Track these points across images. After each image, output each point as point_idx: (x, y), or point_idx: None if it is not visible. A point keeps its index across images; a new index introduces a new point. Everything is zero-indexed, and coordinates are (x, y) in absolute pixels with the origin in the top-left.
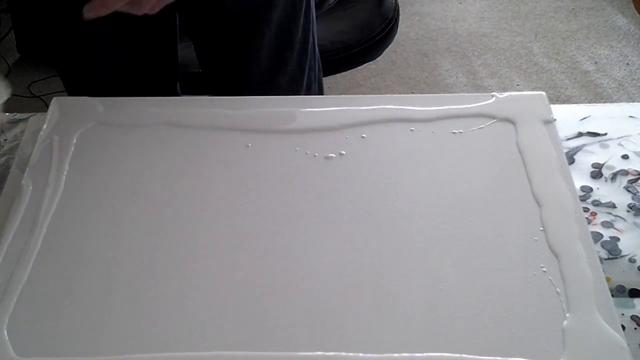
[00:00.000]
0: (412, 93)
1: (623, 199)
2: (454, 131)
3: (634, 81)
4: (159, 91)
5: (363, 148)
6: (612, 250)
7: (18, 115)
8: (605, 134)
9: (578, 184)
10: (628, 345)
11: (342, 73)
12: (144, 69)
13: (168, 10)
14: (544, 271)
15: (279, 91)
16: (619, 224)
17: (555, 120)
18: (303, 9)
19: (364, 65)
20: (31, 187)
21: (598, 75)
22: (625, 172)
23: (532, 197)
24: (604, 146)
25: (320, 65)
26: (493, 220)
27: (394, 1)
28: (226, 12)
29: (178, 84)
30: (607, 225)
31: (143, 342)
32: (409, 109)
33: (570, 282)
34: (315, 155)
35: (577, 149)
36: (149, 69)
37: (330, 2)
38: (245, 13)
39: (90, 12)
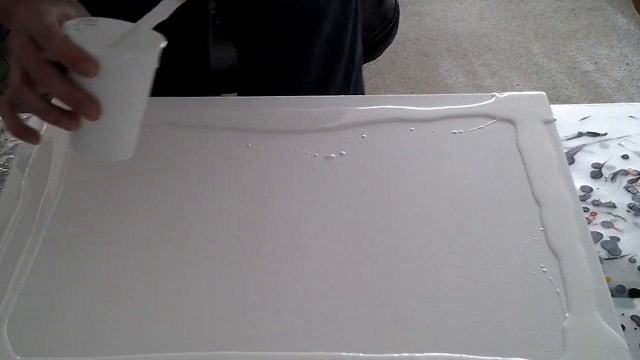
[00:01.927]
0: (412, 93)
1: (623, 199)
2: (454, 131)
3: (634, 81)
4: (188, 91)
5: (363, 148)
6: (612, 250)
7: None
8: (605, 134)
9: (578, 184)
10: (628, 345)
11: None
12: (175, 68)
13: (202, 12)
14: (544, 271)
15: None
16: (619, 224)
17: (555, 120)
18: (352, 19)
19: (364, 65)
20: (31, 187)
21: (598, 75)
22: (625, 172)
23: (532, 197)
24: (604, 146)
25: (362, 77)
26: (493, 220)
27: (394, 1)
28: (277, 21)
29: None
30: (607, 225)
31: (143, 342)
32: (409, 109)
33: (570, 282)
34: (315, 155)
35: (577, 149)
36: (180, 69)
37: None
38: (297, 22)
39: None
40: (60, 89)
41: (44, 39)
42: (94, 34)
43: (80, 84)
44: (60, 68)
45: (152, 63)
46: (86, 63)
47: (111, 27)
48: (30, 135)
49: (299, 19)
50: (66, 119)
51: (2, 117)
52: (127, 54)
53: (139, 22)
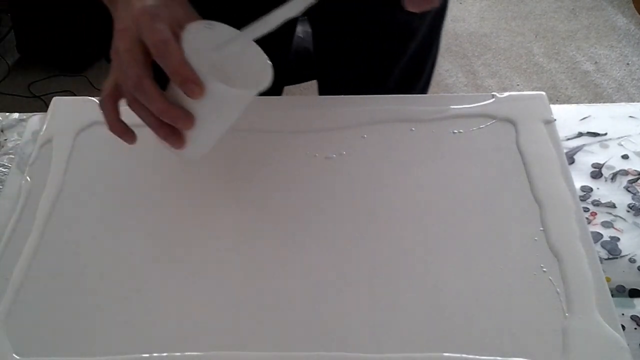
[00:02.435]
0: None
1: (623, 199)
2: (454, 131)
3: (634, 81)
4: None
5: (363, 148)
6: (612, 250)
7: (18, 115)
8: (605, 134)
9: (578, 184)
10: (628, 345)
11: None
12: None
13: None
14: (544, 271)
15: None
16: (619, 224)
17: (555, 120)
18: (437, 38)
19: None
20: (31, 187)
21: (598, 75)
22: (625, 172)
23: (532, 197)
24: (604, 146)
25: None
26: (493, 220)
27: None
28: (367, 41)
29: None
30: (607, 225)
31: (143, 342)
32: (409, 109)
33: (570, 282)
34: (315, 156)
35: (577, 149)
36: None
37: None
38: (386, 41)
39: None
40: (158, 106)
41: (161, 53)
42: (211, 41)
43: (175, 93)
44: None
45: (252, 98)
46: (195, 87)
47: (229, 34)
48: (129, 136)
49: (390, 38)
50: (174, 137)
51: (103, 111)
52: (234, 92)
53: (266, 17)
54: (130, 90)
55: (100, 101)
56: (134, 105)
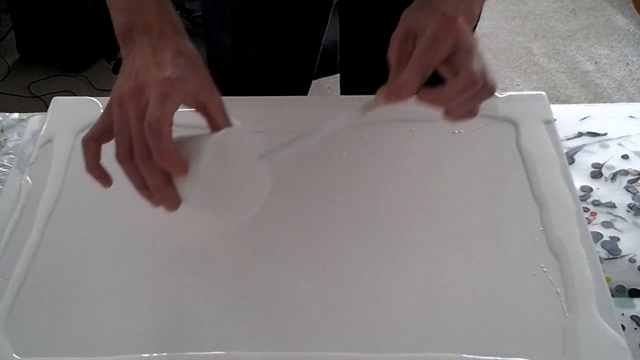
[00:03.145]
0: None
1: (623, 199)
2: (454, 131)
3: (634, 81)
4: (291, 87)
5: (363, 148)
6: (612, 250)
7: (18, 115)
8: (605, 134)
9: (578, 184)
10: (628, 345)
11: None
12: (284, 64)
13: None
14: (544, 271)
15: None
16: (619, 224)
17: (555, 120)
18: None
19: None
20: (31, 187)
21: (598, 75)
22: (625, 172)
23: (532, 197)
24: (604, 146)
25: None
26: (493, 220)
27: None
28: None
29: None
30: (607, 225)
31: (143, 342)
32: (409, 109)
33: (570, 282)
34: (315, 155)
35: (577, 149)
36: (289, 65)
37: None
38: None
39: None
40: (154, 180)
41: (152, 132)
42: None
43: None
44: None
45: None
46: (180, 171)
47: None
48: (105, 180)
49: None
50: (164, 205)
51: (84, 151)
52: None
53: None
54: (136, 159)
55: (83, 140)
56: (126, 164)
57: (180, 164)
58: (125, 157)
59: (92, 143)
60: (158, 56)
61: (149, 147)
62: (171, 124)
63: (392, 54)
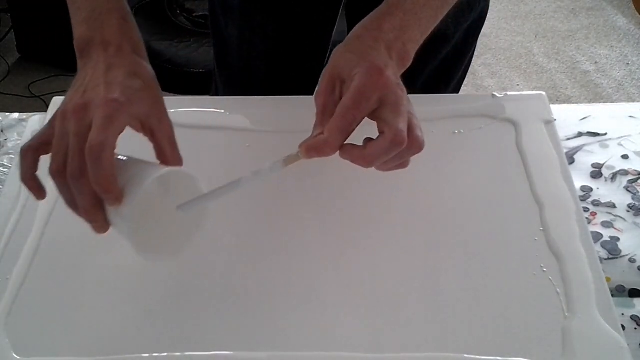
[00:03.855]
0: None
1: (623, 199)
2: (454, 131)
3: (634, 81)
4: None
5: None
6: (612, 250)
7: (18, 115)
8: (605, 134)
9: (578, 184)
10: (628, 345)
11: None
12: (297, 54)
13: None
14: (544, 271)
15: None
16: (619, 224)
17: (555, 120)
18: (472, 45)
19: None
20: None
21: (598, 75)
22: (625, 172)
23: (532, 197)
24: (604, 146)
25: None
26: (493, 220)
27: None
28: None
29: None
30: (607, 225)
31: (143, 342)
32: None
33: (570, 282)
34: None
35: (577, 149)
36: (301, 55)
37: None
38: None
39: None
40: (85, 204)
41: (93, 156)
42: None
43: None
44: None
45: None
46: (114, 201)
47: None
48: (39, 193)
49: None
50: (92, 226)
51: (20, 161)
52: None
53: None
54: (68, 177)
55: (22, 150)
56: (58, 180)
57: (114, 193)
58: (58, 173)
59: (30, 153)
60: (110, 75)
61: (83, 167)
62: (114, 147)
63: (318, 100)
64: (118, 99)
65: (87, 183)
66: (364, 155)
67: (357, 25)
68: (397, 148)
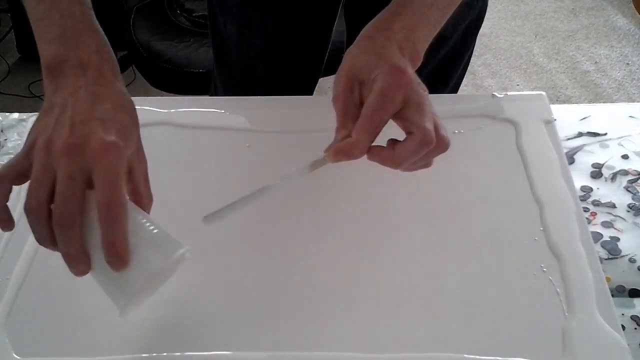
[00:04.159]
0: None
1: (623, 199)
2: (454, 131)
3: (634, 81)
4: (302, 76)
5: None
6: (612, 250)
7: (18, 115)
8: (605, 134)
9: (578, 184)
10: (628, 345)
11: None
12: (297, 52)
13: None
14: (544, 271)
15: None
16: (619, 224)
17: (555, 120)
18: (470, 46)
19: None
20: None
21: (598, 75)
22: (625, 172)
23: (532, 197)
24: (604, 146)
25: None
26: (493, 220)
27: None
28: None
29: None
30: (607, 225)
31: (143, 342)
32: None
33: (570, 282)
34: (315, 156)
35: (577, 149)
36: (300, 53)
37: None
38: None
39: None
40: (69, 251)
41: (112, 216)
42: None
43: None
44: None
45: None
46: (121, 264)
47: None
48: (8, 225)
49: None
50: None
51: None
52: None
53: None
54: (55, 222)
55: None
56: (35, 216)
57: (125, 259)
58: (38, 210)
59: (6, 183)
60: (99, 109)
61: (76, 215)
62: (126, 204)
63: (338, 102)
64: (117, 143)
65: (78, 231)
66: (393, 156)
67: (366, 26)
68: (426, 148)
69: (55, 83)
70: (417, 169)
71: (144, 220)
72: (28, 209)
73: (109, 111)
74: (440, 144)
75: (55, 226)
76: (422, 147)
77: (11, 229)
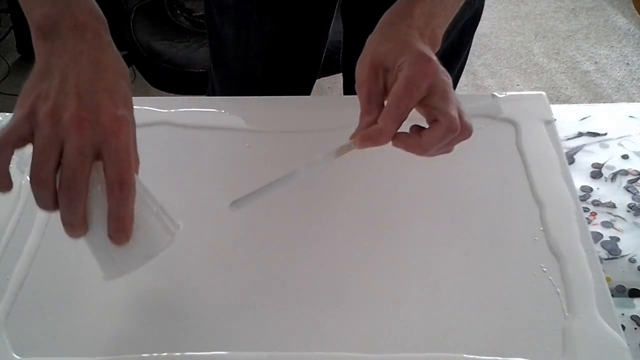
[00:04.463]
0: None
1: (623, 199)
2: None
3: (634, 81)
4: (300, 75)
5: (363, 148)
6: (612, 250)
7: None
8: (605, 134)
9: (578, 184)
10: (628, 345)
11: None
12: (293, 52)
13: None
14: (544, 271)
15: None
16: (619, 224)
17: (555, 120)
18: (467, 44)
19: None
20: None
21: (598, 75)
22: (625, 172)
23: (532, 197)
24: (604, 146)
25: None
26: (493, 220)
27: None
28: None
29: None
30: (607, 225)
31: (143, 342)
32: None
33: (570, 282)
34: (315, 156)
35: (577, 149)
36: (297, 53)
37: None
38: None
39: None
40: (71, 218)
41: (124, 194)
42: None
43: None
44: None
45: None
46: (124, 239)
47: None
48: (7, 187)
49: None
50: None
51: None
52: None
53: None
54: (63, 193)
55: None
56: (40, 187)
57: (128, 234)
58: (46, 182)
59: (8, 149)
60: (103, 77)
61: (84, 188)
62: (132, 150)
63: (362, 89)
64: (127, 117)
65: (84, 204)
66: (420, 143)
67: (385, 13)
68: (452, 135)
69: (50, 45)
70: (439, 154)
71: (146, 197)
72: (36, 181)
73: (112, 80)
74: (464, 131)
75: (61, 197)
76: (448, 134)
77: (9, 191)
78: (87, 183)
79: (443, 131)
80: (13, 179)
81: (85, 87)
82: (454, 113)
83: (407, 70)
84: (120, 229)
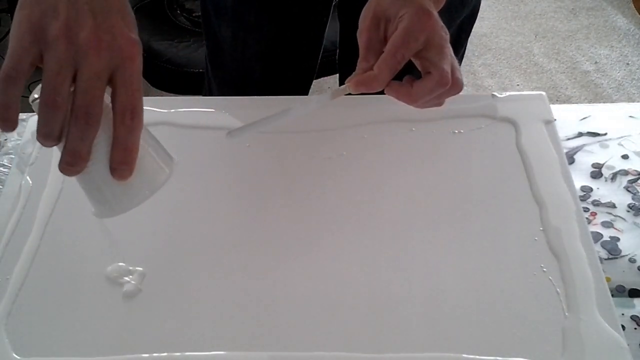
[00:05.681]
0: None
1: (623, 199)
2: (454, 131)
3: (634, 81)
4: (297, 74)
5: (363, 148)
6: (612, 250)
7: None
8: (605, 134)
9: (578, 184)
10: (628, 345)
11: None
12: (290, 51)
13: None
14: (544, 271)
15: None
16: (619, 224)
17: (555, 120)
18: (464, 42)
19: None
20: (31, 187)
21: (598, 75)
22: (625, 172)
23: (532, 197)
24: (604, 146)
25: None
26: (493, 220)
27: None
28: None
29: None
30: (607, 225)
31: (143, 342)
32: (409, 109)
33: (570, 282)
34: (315, 156)
35: (577, 149)
36: (294, 52)
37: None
38: None
39: None
40: (80, 147)
41: (135, 124)
42: None
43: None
44: None
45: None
46: (126, 172)
47: None
48: (11, 126)
49: None
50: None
51: (5, 87)
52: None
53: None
54: (78, 118)
55: (8, 76)
56: (51, 110)
57: (133, 168)
58: (62, 106)
59: (20, 79)
60: None
61: (99, 114)
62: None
63: (362, 36)
64: (139, 41)
65: (96, 132)
66: (410, 93)
67: None
68: (442, 88)
69: None
70: (429, 107)
71: (144, 132)
72: (50, 105)
73: (121, 2)
74: (454, 86)
75: (76, 124)
76: (438, 87)
77: (13, 130)
78: (102, 110)
79: (434, 84)
80: (13, 179)
81: (99, 5)
82: (447, 67)
83: (407, 21)
84: (126, 160)
